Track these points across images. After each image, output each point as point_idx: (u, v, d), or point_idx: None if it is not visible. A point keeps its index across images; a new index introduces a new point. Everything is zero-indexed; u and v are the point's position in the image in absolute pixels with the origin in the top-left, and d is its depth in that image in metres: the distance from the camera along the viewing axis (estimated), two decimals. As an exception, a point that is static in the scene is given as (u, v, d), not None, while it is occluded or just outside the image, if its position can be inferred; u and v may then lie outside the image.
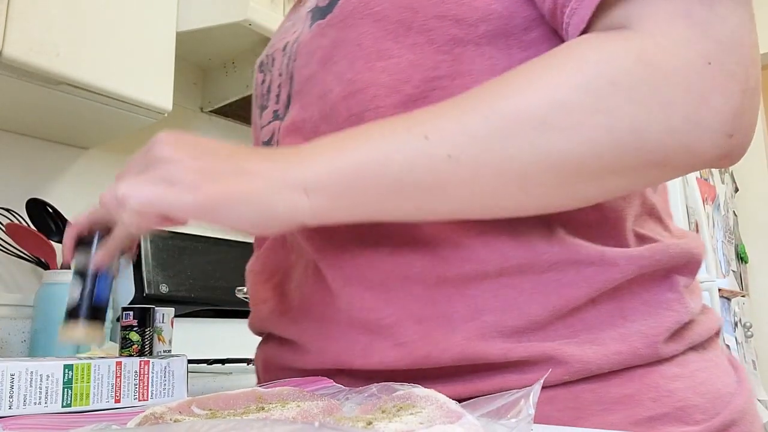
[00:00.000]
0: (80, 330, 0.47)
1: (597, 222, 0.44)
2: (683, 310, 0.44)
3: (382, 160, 0.40)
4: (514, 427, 0.28)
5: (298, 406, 0.36)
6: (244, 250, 1.54)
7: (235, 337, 1.53)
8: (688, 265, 0.46)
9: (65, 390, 0.45)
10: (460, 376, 0.43)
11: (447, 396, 0.39)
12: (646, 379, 0.42)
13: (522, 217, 0.42)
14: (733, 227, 2.56)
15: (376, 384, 0.39)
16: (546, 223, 0.43)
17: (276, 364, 0.53)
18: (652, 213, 0.48)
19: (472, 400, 0.32)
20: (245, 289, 1.27)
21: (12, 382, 0.43)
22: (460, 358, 0.42)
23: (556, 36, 0.44)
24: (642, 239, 0.46)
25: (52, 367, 0.45)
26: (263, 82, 0.59)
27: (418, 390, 0.35)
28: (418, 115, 0.41)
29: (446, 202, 0.40)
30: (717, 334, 0.48)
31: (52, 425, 0.40)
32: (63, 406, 0.45)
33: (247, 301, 1.28)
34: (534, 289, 0.42)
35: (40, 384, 0.45)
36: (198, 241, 1.49)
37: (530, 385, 0.39)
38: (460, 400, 0.40)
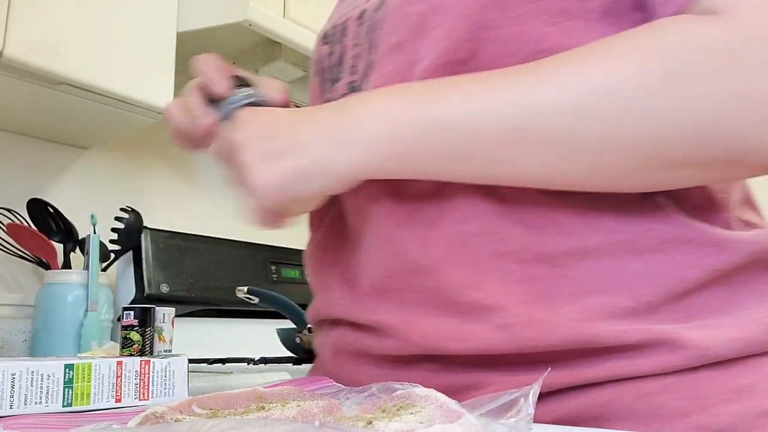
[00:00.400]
0: None
1: (705, 203, 0.42)
2: None
3: (448, 125, 0.40)
4: (513, 427, 0.28)
5: (299, 405, 0.36)
6: (244, 250, 1.55)
7: (236, 337, 1.53)
8: None
9: (66, 390, 0.45)
10: (564, 361, 0.40)
11: (552, 384, 0.39)
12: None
13: (629, 193, 0.40)
14: None
15: (376, 384, 0.39)
16: (652, 199, 0.41)
17: (350, 351, 0.50)
18: (750, 200, 0.47)
19: (471, 399, 0.32)
20: (245, 289, 1.27)
21: (13, 381, 0.44)
22: (570, 341, 0.39)
23: (659, 16, 0.42)
24: (747, 225, 0.44)
25: (52, 367, 0.45)
26: (331, 54, 0.56)
27: (418, 389, 0.35)
28: (489, 80, 0.40)
29: (509, 172, 0.40)
30: None
31: (53, 425, 0.40)
32: (64, 406, 0.45)
33: (247, 301, 1.28)
34: (643, 270, 0.40)
35: (41, 384, 0.45)
36: (198, 241, 1.49)
37: (641, 372, 0.38)
38: (565, 389, 0.40)
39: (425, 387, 0.33)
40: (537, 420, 0.38)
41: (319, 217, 0.56)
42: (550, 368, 0.37)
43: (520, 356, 0.41)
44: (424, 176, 0.43)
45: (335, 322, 0.52)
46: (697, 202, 0.42)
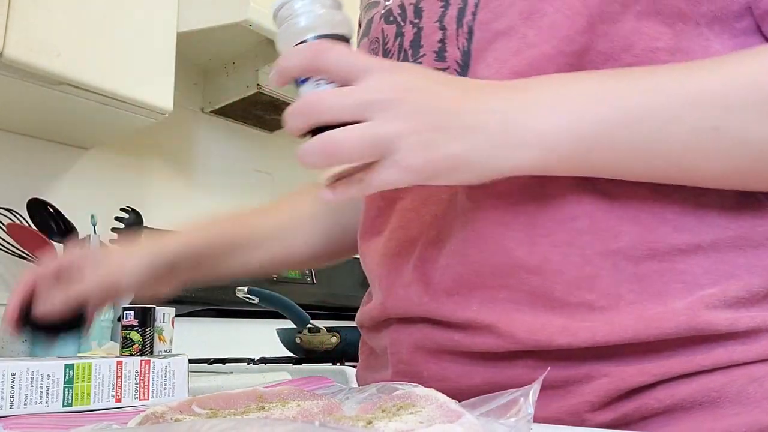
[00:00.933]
0: None
1: None
2: None
3: (633, 122, 0.38)
4: (513, 427, 0.28)
5: (299, 405, 0.36)
6: (244, 250, 1.54)
7: (236, 337, 1.53)
8: None
9: (66, 390, 0.45)
10: (677, 350, 0.40)
11: (666, 373, 0.40)
12: None
13: (731, 190, 0.41)
14: None
15: (375, 383, 0.39)
16: (754, 196, 0.42)
17: (435, 348, 0.47)
18: None
19: (471, 399, 0.32)
20: (245, 289, 1.27)
21: (13, 381, 0.44)
22: (684, 329, 0.39)
23: (759, 30, 0.43)
24: None
25: (52, 367, 0.45)
26: (400, 35, 0.51)
27: (418, 389, 0.35)
28: (670, 74, 0.39)
29: (697, 171, 0.39)
30: None
31: (53, 425, 0.40)
32: (64, 406, 0.45)
33: (247, 301, 1.28)
34: (750, 263, 0.41)
35: (41, 384, 0.45)
36: (199, 241, 1.49)
37: (753, 357, 0.39)
38: (676, 378, 0.40)
39: (526, 383, 0.31)
40: (653, 408, 0.40)
41: (381, 216, 0.53)
42: (549, 368, 0.37)
43: (630, 346, 0.40)
44: (590, 175, 0.41)
45: (409, 320, 0.49)
46: None
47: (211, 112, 1.67)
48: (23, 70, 1.04)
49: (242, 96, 1.58)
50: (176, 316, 1.20)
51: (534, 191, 0.43)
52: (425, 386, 0.36)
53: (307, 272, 1.67)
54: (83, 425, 0.32)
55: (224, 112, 1.67)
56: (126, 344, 0.94)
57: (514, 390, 0.31)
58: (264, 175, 1.79)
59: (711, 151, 0.38)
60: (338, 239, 0.69)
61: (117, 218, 1.33)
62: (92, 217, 1.22)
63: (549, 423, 0.41)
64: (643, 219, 0.42)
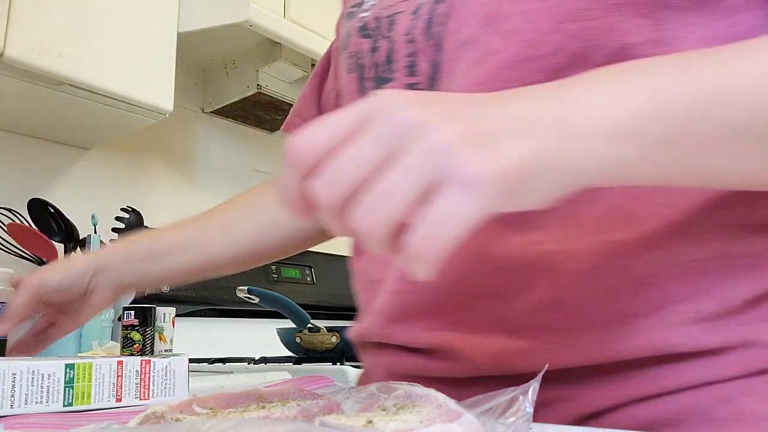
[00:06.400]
0: None
1: None
2: None
3: (723, 100, 0.31)
4: (512, 426, 0.28)
5: (299, 404, 0.36)
6: (245, 250, 1.54)
7: (237, 337, 1.53)
8: None
9: (66, 389, 0.46)
10: (638, 370, 0.39)
11: (629, 395, 0.38)
12: None
13: (713, 202, 0.39)
14: None
15: (375, 383, 0.40)
16: (734, 215, 0.40)
17: (405, 373, 0.46)
18: None
19: (470, 399, 0.32)
20: (245, 289, 1.27)
21: (13, 381, 0.44)
22: (649, 348, 0.38)
23: (753, 2, 0.40)
24: None
25: (53, 367, 0.45)
26: (374, 49, 0.48)
27: (418, 389, 0.35)
28: (736, 54, 0.33)
29: None
30: None
31: (54, 424, 0.40)
32: (64, 406, 0.45)
33: (247, 301, 1.28)
34: (722, 281, 0.39)
35: (42, 383, 0.45)
36: (199, 241, 1.49)
37: (721, 376, 0.37)
38: (638, 400, 0.38)
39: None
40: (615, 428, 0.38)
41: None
42: (547, 365, 0.36)
43: (592, 368, 0.39)
44: (681, 177, 0.33)
45: (381, 345, 0.48)
46: None
47: (211, 112, 1.67)
48: (24, 70, 1.04)
49: (242, 96, 1.58)
50: (177, 315, 1.20)
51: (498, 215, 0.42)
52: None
53: (308, 272, 1.67)
54: (84, 425, 0.32)
55: (224, 112, 1.67)
56: (127, 344, 0.94)
57: (513, 388, 0.31)
58: (264, 175, 1.79)
59: None
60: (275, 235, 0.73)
61: (117, 218, 1.33)
62: (92, 217, 1.22)
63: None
64: (613, 236, 0.39)
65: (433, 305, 0.44)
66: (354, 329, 0.53)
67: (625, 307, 0.39)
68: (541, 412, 0.39)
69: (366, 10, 0.51)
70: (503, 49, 0.40)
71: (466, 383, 0.43)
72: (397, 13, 0.48)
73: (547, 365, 0.36)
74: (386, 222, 0.27)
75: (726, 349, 0.38)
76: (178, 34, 1.28)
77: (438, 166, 0.27)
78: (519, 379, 0.40)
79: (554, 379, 0.39)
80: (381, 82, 0.48)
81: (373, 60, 0.49)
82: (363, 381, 0.56)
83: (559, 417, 0.40)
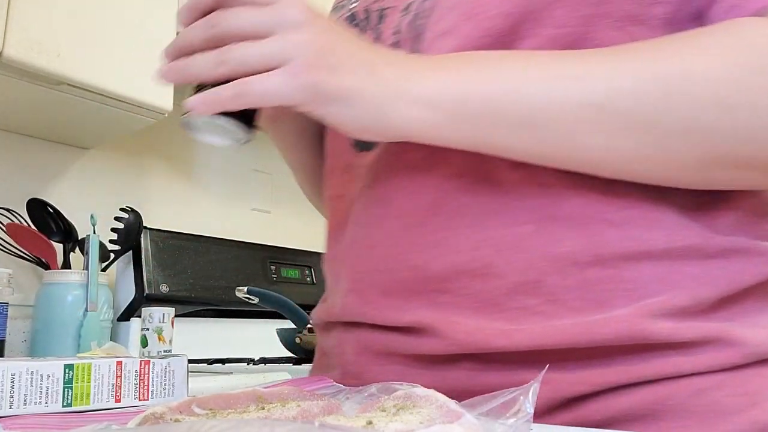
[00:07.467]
0: None
1: (758, 210, 0.43)
2: None
3: (516, 95, 0.38)
4: (513, 426, 0.28)
5: (298, 405, 0.36)
6: (244, 250, 1.54)
7: (236, 337, 1.53)
8: None
9: (66, 390, 0.45)
10: (617, 358, 0.40)
11: (603, 383, 0.39)
12: None
13: (688, 198, 0.41)
14: None
15: (375, 384, 0.39)
16: (711, 208, 0.42)
17: (378, 351, 0.47)
18: None
19: (471, 399, 0.32)
20: (245, 289, 1.27)
21: (12, 381, 0.44)
22: (624, 337, 0.39)
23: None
24: None
25: (52, 367, 0.45)
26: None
27: (419, 390, 0.35)
28: (563, 58, 0.39)
29: (578, 151, 0.39)
30: None
31: (53, 425, 0.40)
32: (63, 406, 0.45)
33: (247, 301, 1.28)
34: (700, 274, 0.40)
35: (41, 384, 0.45)
36: (198, 241, 1.49)
37: (696, 369, 0.38)
38: (618, 387, 0.39)
39: (468, 386, 0.31)
40: (592, 420, 0.39)
41: (339, 222, 0.53)
42: (548, 365, 0.37)
43: (570, 352, 0.40)
44: (475, 146, 0.41)
45: (353, 324, 0.49)
46: (750, 211, 0.43)
47: (210, 112, 1.67)
48: (23, 70, 1.04)
49: (242, 96, 1.58)
50: (176, 316, 1.20)
51: (478, 193, 0.43)
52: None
53: (307, 272, 1.67)
54: (83, 425, 0.32)
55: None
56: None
57: (513, 389, 0.31)
58: (264, 175, 1.79)
59: (596, 130, 0.38)
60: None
61: (117, 218, 1.33)
62: (92, 217, 1.22)
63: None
64: (591, 224, 0.41)
65: (412, 284, 0.45)
66: (319, 309, 0.54)
67: (603, 294, 0.40)
68: None
69: (354, 2, 0.54)
70: (478, 42, 0.43)
71: (444, 361, 0.44)
72: (387, 8, 0.51)
73: (547, 366, 0.36)
74: (233, 70, 0.40)
75: (701, 343, 0.39)
76: (178, 34, 1.28)
77: (286, 55, 0.39)
78: (497, 359, 0.42)
79: (532, 361, 0.40)
80: None
81: None
82: (322, 364, 0.56)
83: (536, 401, 0.40)
